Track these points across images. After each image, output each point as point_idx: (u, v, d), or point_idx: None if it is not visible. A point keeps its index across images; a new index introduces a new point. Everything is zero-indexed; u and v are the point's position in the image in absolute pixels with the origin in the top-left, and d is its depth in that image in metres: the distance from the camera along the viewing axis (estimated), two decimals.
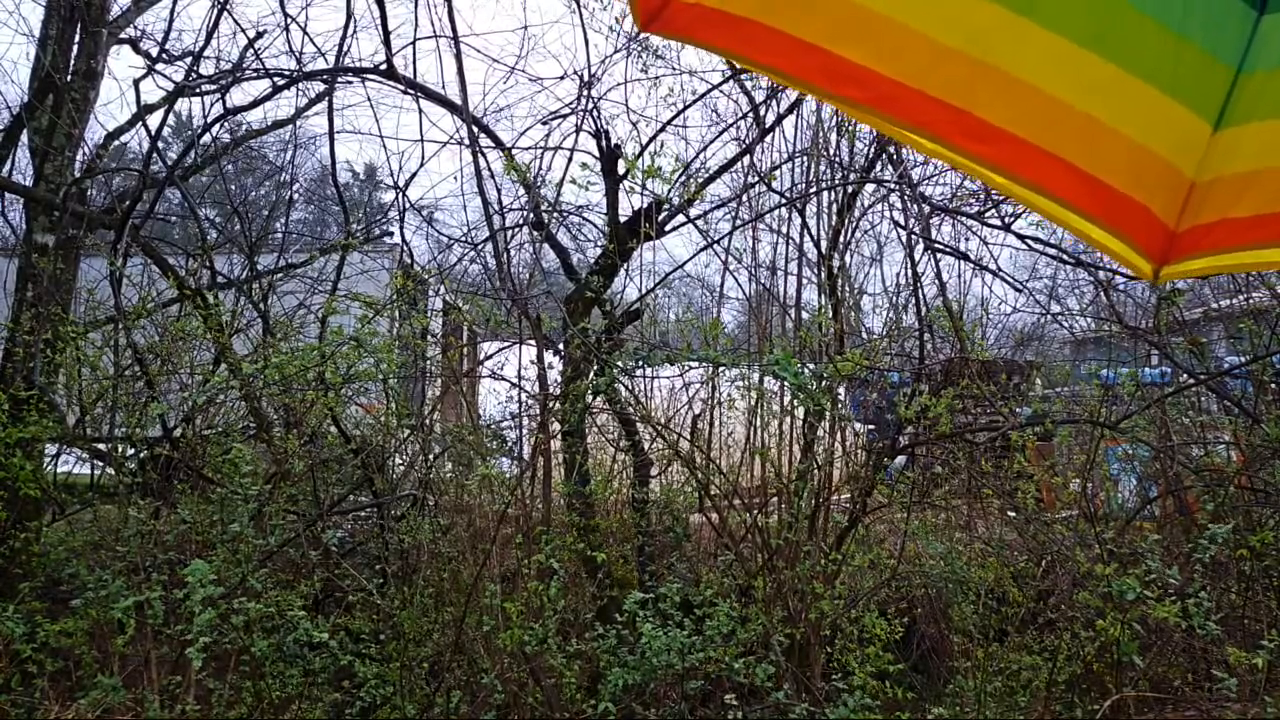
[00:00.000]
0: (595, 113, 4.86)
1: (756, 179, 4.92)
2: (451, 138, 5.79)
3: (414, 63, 6.50)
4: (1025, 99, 1.07)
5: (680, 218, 4.96)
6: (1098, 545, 3.56)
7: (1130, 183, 1.10)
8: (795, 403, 4.08)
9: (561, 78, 5.84)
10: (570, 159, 4.87)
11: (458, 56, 4.73)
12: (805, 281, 4.95)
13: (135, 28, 6.53)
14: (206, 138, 6.52)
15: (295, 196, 10.12)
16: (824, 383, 3.97)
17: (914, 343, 5.05)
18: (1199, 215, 1.11)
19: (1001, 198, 4.59)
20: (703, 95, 5.09)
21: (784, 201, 4.87)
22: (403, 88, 5.40)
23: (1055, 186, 1.12)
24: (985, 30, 1.05)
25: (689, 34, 1.15)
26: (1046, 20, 1.04)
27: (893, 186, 4.82)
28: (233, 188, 7.91)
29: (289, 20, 5.63)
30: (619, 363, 4.42)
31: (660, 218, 4.83)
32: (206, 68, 6.12)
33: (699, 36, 1.15)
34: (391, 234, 7.85)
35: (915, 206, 4.47)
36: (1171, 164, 1.08)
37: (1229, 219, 1.09)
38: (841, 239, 4.80)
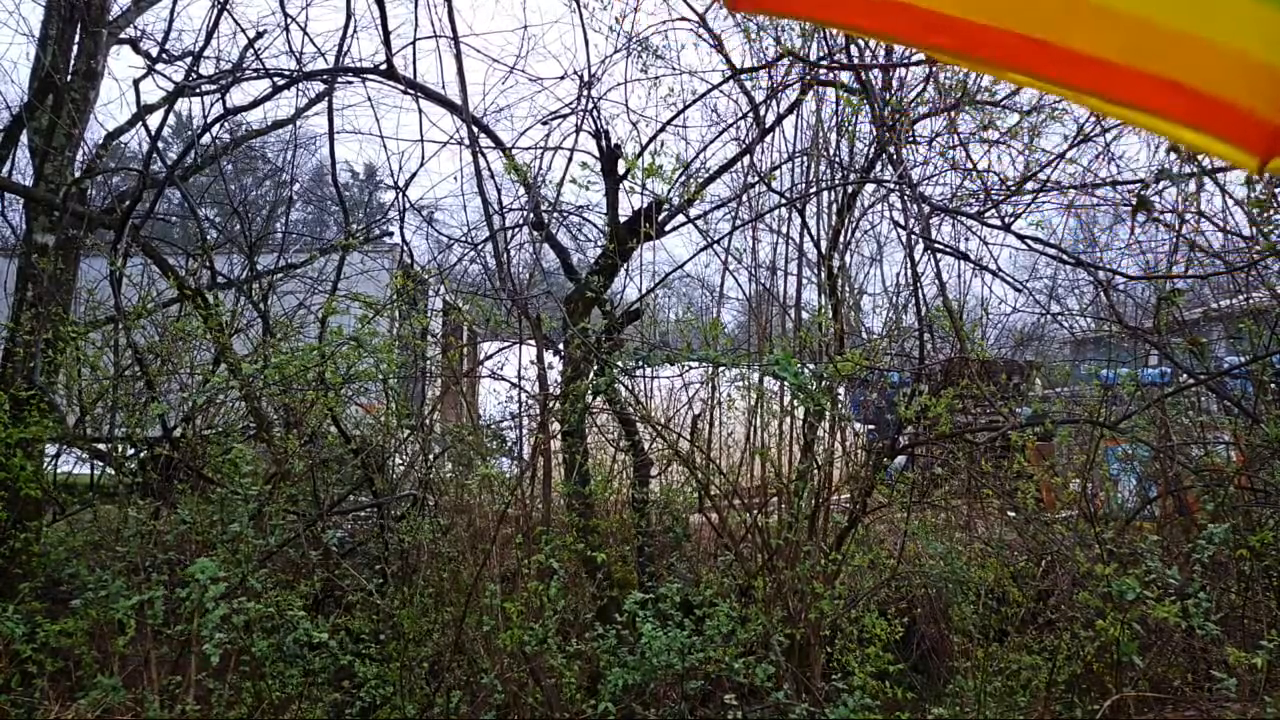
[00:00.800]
0: (595, 113, 4.86)
1: (756, 179, 4.92)
2: (451, 138, 5.79)
3: (414, 63, 6.50)
4: (1113, 25, 1.09)
5: (680, 218, 4.96)
6: (1097, 545, 3.56)
7: (1230, 89, 1.10)
8: (795, 403, 4.07)
9: (561, 78, 5.82)
10: (570, 159, 4.87)
11: (458, 56, 4.73)
12: (805, 281, 4.95)
13: (135, 28, 6.53)
14: (206, 138, 6.52)
15: (295, 196, 10.13)
16: (824, 383, 3.97)
17: (914, 343, 5.05)
18: None
19: (1001, 197, 4.59)
20: (703, 95, 5.10)
21: (783, 201, 4.87)
22: (403, 88, 5.39)
23: (1151, 102, 1.13)
24: None
25: (775, 7, 1.25)
26: None
27: (892, 186, 4.82)
28: (233, 188, 7.90)
29: (289, 20, 5.63)
30: (619, 363, 4.42)
31: (660, 218, 4.83)
32: (206, 68, 6.12)
33: (784, 8, 1.25)
34: (391, 234, 7.86)
35: (915, 206, 4.47)
36: (1272, 65, 1.08)
37: None
38: (841, 239, 4.80)
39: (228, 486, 3.80)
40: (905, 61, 4.66)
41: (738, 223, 5.01)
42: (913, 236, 4.39)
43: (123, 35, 6.31)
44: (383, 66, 5.32)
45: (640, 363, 4.51)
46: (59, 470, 5.29)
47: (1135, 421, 4.44)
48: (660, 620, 3.40)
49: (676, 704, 3.51)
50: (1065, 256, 4.62)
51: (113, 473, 4.57)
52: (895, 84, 4.78)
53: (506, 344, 5.16)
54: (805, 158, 4.89)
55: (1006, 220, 4.38)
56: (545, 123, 5.07)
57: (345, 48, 5.43)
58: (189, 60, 6.44)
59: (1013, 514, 4.55)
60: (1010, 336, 7.83)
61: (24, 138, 5.67)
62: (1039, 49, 1.12)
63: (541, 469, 4.62)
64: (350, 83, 5.92)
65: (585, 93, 4.80)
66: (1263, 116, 1.12)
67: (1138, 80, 1.12)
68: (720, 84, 5.05)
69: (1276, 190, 3.68)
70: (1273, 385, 4.13)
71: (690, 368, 5.24)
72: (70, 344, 4.81)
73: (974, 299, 6.09)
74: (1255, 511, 3.97)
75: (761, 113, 4.93)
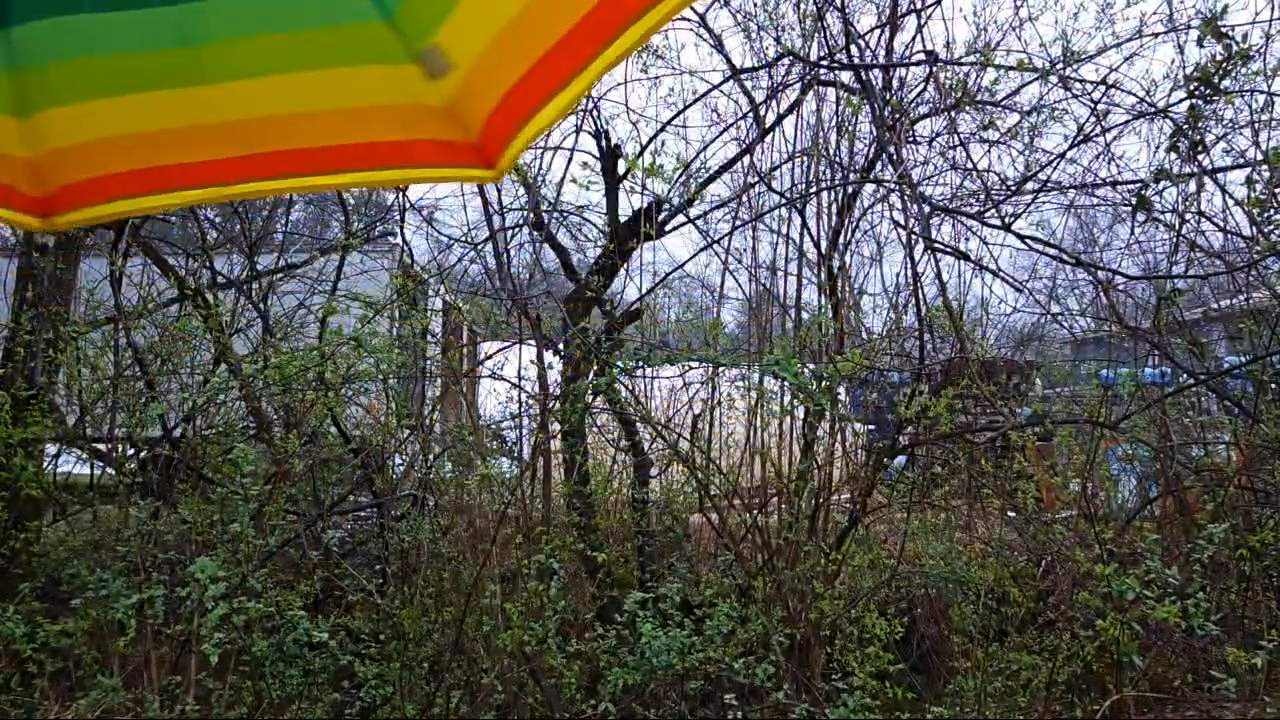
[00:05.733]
0: (595, 112, 4.86)
1: (756, 179, 4.91)
2: None
3: None
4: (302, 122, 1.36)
5: (680, 218, 4.96)
6: (1097, 545, 3.56)
7: (421, 131, 1.39)
8: (795, 403, 4.08)
9: None
10: (570, 159, 4.88)
11: None
12: (805, 281, 4.95)
13: None
14: None
15: (295, 196, 10.10)
16: (824, 383, 3.97)
17: (914, 342, 5.05)
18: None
19: (1002, 197, 4.59)
20: (703, 95, 5.09)
21: (784, 201, 4.87)
22: None
23: (363, 162, 1.43)
24: None
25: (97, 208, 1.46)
26: None
27: (892, 186, 4.82)
28: None
29: None
30: (619, 363, 4.42)
31: (660, 218, 4.83)
32: None
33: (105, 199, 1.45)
34: (392, 234, 7.85)
35: (915, 206, 4.47)
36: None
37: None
38: (841, 239, 4.80)
39: (228, 486, 3.80)
40: (906, 61, 4.66)
41: (738, 223, 5.01)
42: (913, 236, 4.39)
43: None
44: None
45: (640, 363, 4.52)
46: (59, 470, 5.29)
47: (1135, 421, 4.44)
48: (660, 620, 3.40)
49: (676, 704, 3.51)
50: (1065, 256, 4.62)
51: (113, 473, 4.57)
52: (895, 84, 4.78)
53: (506, 344, 5.17)
54: (805, 158, 4.89)
55: (1006, 220, 4.38)
56: None
57: None
58: None
59: (1013, 514, 4.55)
60: (1010, 336, 7.83)
61: None
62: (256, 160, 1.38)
63: (541, 469, 4.62)
64: None
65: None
66: (458, 139, 1.40)
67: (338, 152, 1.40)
68: (720, 84, 5.05)
69: (1277, 190, 3.68)
70: (1273, 385, 4.13)
71: (690, 368, 5.24)
72: (70, 344, 4.80)
73: (974, 299, 6.09)
74: (1255, 511, 3.97)
75: (761, 113, 4.92)
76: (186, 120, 1.36)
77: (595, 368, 4.54)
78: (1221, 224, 4.25)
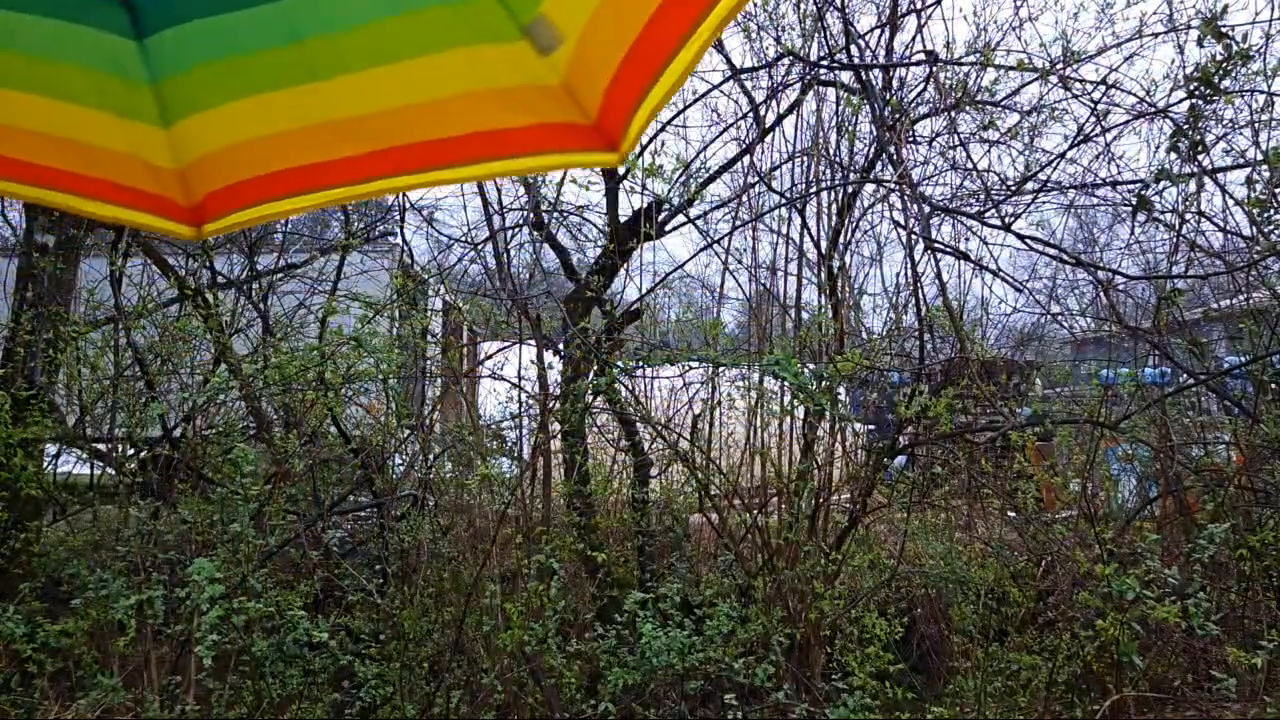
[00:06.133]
0: None
1: (756, 179, 4.91)
2: None
3: None
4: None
5: (680, 218, 4.96)
6: (1097, 545, 3.56)
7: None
8: (795, 403, 4.08)
9: None
10: None
11: None
12: (805, 281, 4.95)
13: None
14: None
15: None
16: (824, 383, 3.97)
17: (914, 342, 5.05)
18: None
19: (1002, 197, 4.59)
20: (703, 95, 5.09)
21: (784, 201, 4.87)
22: None
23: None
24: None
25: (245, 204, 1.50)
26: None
27: (892, 186, 4.82)
28: None
29: None
30: (619, 363, 4.42)
31: (660, 218, 4.83)
32: None
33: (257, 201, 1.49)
34: (392, 234, 7.85)
35: (915, 206, 4.47)
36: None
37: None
38: (841, 239, 4.80)
39: (228, 486, 3.80)
40: (906, 61, 4.66)
41: (738, 223, 5.01)
42: (913, 236, 4.39)
43: None
44: None
45: (640, 363, 4.52)
46: (59, 470, 5.29)
47: (1135, 421, 4.44)
48: (660, 620, 3.40)
49: (676, 704, 3.51)
50: (1065, 256, 4.62)
51: (113, 473, 4.57)
52: (895, 84, 4.78)
53: (506, 344, 5.17)
54: (805, 158, 4.89)
55: (1006, 220, 4.38)
56: None
57: None
58: None
59: (1013, 514, 4.55)
60: (1010, 336, 7.83)
61: None
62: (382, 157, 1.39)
63: (541, 469, 4.62)
64: None
65: None
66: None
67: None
68: (720, 84, 5.05)
69: (1277, 190, 3.68)
70: (1273, 385, 4.13)
71: (690, 368, 5.24)
72: (70, 344, 4.80)
73: (974, 299, 6.09)
74: (1255, 511, 3.97)
75: (761, 113, 4.92)
76: (311, 119, 1.35)
77: (595, 368, 4.54)
78: (1221, 224, 4.26)
